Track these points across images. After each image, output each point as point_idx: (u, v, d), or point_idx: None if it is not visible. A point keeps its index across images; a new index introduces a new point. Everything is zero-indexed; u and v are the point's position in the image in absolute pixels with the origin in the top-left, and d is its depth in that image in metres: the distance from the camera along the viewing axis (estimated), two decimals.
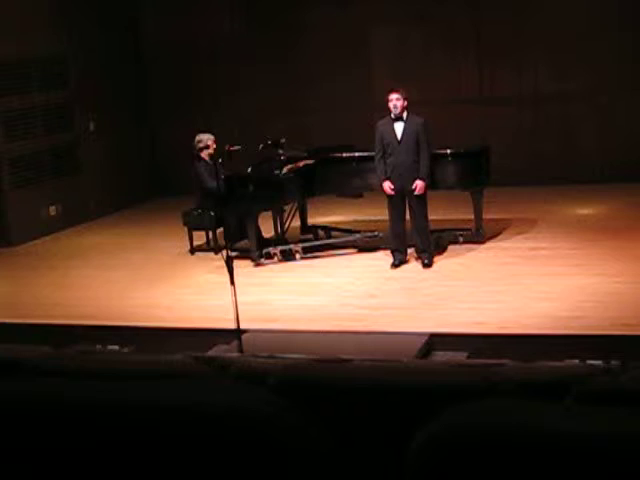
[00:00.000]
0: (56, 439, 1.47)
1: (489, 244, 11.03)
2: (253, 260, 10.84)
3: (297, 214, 11.94)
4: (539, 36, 14.01)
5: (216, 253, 11.00)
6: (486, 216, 11.12)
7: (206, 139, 11.53)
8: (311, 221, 12.18)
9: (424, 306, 8.97)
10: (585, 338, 7.72)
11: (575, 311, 8.38)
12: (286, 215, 11.64)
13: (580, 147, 14.21)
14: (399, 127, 10.14)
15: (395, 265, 10.32)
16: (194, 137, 11.77)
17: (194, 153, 11.55)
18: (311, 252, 11.15)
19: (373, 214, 11.81)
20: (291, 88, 15.17)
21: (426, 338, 8.06)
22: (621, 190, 13.04)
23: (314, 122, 14.83)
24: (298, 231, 11.93)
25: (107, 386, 1.61)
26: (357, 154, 11.26)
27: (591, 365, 5.47)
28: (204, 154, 11.40)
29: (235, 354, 7.48)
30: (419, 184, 10.08)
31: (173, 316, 9.22)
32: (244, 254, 10.88)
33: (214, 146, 11.33)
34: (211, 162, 10.87)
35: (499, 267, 10.07)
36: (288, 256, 11.01)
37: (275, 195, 11.07)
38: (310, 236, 11.84)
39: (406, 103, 10.14)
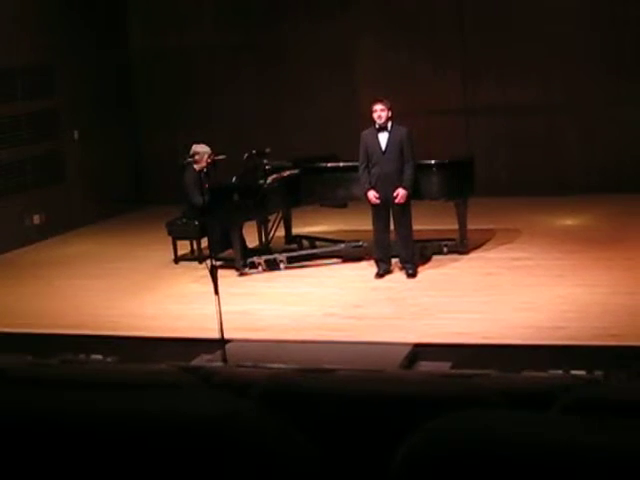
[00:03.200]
0: (39, 449, 1.47)
1: (473, 254, 11.05)
2: (237, 270, 10.82)
3: (282, 224, 11.94)
4: (524, 47, 14.05)
5: (200, 262, 10.99)
6: (470, 226, 11.14)
7: (203, 152, 11.39)
8: (296, 231, 12.18)
9: (408, 316, 8.97)
10: (568, 348, 7.75)
11: (558, 321, 8.41)
12: (270, 225, 11.64)
13: (564, 158, 14.26)
14: (383, 137, 10.16)
15: (379, 275, 10.33)
16: (179, 146, 11.73)
17: (183, 162, 11.42)
18: (296, 262, 11.15)
19: (357, 224, 11.81)
20: (276, 98, 15.18)
21: (410, 348, 8.06)
22: (604, 201, 13.09)
23: (299, 132, 14.84)
24: (283, 241, 11.93)
25: (89, 395, 1.61)
26: (342, 164, 11.27)
27: (574, 375, 5.49)
28: (196, 166, 11.30)
29: (219, 364, 7.47)
30: (401, 192, 10.08)
31: (157, 325, 9.20)
32: (228, 264, 10.87)
33: (208, 160, 11.23)
34: (201, 174, 10.87)
35: (483, 277, 10.09)
36: (272, 266, 11.01)
37: (259, 205, 11.06)
38: (295, 246, 11.84)
39: (390, 113, 10.16)
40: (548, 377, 4.97)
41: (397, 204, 10.13)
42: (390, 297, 9.66)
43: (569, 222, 12.51)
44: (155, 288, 10.59)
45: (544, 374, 5.84)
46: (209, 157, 11.27)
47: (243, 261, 10.87)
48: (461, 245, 11.08)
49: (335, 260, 11.22)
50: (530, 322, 8.46)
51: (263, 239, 11.46)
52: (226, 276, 10.03)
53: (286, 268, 10.99)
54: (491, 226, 12.20)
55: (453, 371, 7.20)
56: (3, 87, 13.31)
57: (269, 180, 11.08)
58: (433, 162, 10.90)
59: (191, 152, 11.39)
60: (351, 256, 11.17)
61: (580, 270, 9.99)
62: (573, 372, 6.31)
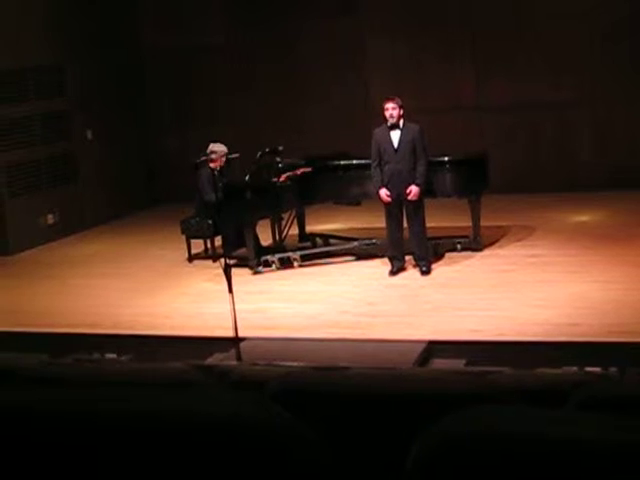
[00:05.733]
0: (52, 448, 1.47)
1: (487, 251, 11.03)
2: (251, 268, 10.83)
3: (295, 222, 11.94)
4: (535, 44, 14.02)
5: (214, 261, 11.00)
6: (484, 223, 11.12)
7: (220, 151, 11.39)
8: (309, 229, 12.18)
9: (422, 313, 8.96)
10: (583, 345, 7.72)
11: (573, 318, 8.38)
12: (284, 223, 11.64)
13: (577, 154, 14.22)
14: (395, 135, 10.15)
15: (393, 272, 10.32)
16: (192, 145, 11.72)
17: (197, 161, 11.41)
18: (309, 260, 11.15)
19: (371, 222, 11.81)
20: (288, 96, 15.18)
21: (424, 346, 8.05)
22: (618, 197, 13.04)
23: (311, 130, 14.84)
24: (296, 239, 11.94)
25: (103, 394, 1.61)
26: (354, 162, 11.27)
27: (589, 372, 5.47)
28: (212, 164, 11.30)
29: (234, 362, 7.48)
30: (414, 189, 10.07)
31: (171, 324, 9.21)
32: (242, 262, 10.88)
33: (224, 159, 11.25)
34: (215, 173, 10.86)
35: (497, 274, 10.07)
36: (286, 264, 11.01)
37: (273, 203, 11.07)
38: (308, 244, 11.83)
39: (402, 112, 10.15)
40: (562, 374, 4.96)
41: (410, 201, 10.12)
42: (404, 294, 9.65)
43: (582, 219, 12.47)
44: (169, 287, 10.61)
45: (558, 371, 5.83)
46: (225, 156, 11.28)
47: (257, 259, 10.87)
48: (475, 242, 11.06)
49: (348, 258, 11.22)
50: (544, 319, 8.44)
51: (277, 237, 11.46)
52: (240, 274, 10.04)
53: (300, 266, 10.99)
54: (505, 223, 12.17)
55: (467, 368, 7.20)
56: (16, 87, 13.35)
57: (282, 178, 11.08)
58: (446, 159, 10.88)
59: (208, 150, 11.39)
60: (365, 254, 11.16)
61: (594, 267, 9.95)
62: (587, 369, 6.30)
